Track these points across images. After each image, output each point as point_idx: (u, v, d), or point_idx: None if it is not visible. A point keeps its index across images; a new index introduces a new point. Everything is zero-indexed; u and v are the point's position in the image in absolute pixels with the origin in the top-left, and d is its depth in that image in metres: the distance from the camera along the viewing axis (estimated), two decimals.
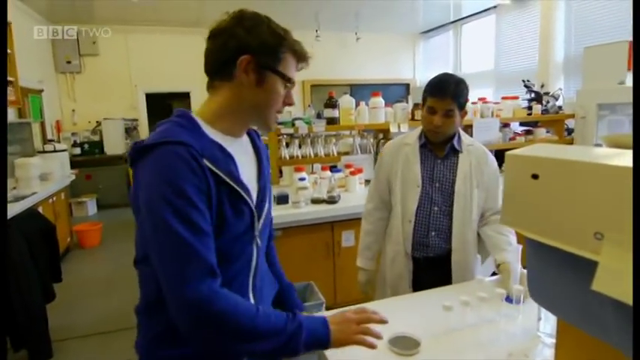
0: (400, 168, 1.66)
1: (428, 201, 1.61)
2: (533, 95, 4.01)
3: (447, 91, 1.52)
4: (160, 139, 0.81)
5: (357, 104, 3.28)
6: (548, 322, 1.05)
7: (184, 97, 7.46)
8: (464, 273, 1.60)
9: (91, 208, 6.26)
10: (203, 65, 0.94)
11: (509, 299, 1.21)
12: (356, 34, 7.32)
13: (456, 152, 1.64)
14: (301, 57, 0.94)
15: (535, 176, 0.58)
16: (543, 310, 1.04)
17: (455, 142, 1.63)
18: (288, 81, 0.92)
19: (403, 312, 1.23)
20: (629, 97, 3.19)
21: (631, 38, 3.69)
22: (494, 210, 1.65)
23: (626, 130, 3.45)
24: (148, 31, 6.82)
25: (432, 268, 1.62)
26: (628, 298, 0.46)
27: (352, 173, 2.97)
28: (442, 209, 1.61)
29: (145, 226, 0.81)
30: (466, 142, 1.66)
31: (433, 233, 1.61)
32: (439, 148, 1.64)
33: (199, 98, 7.34)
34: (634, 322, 0.47)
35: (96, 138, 6.72)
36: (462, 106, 1.56)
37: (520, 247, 1.34)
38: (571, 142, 3.78)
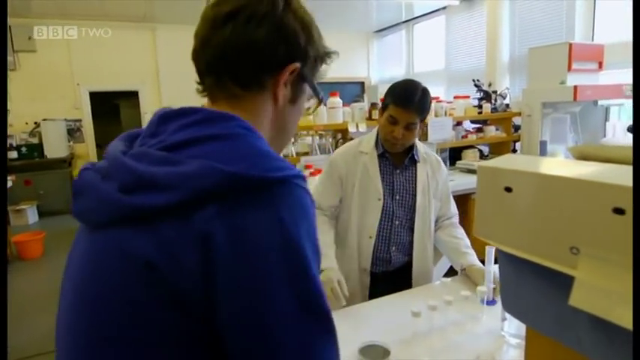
0: (358, 179, 1.53)
1: (389, 215, 1.54)
2: (482, 94, 4.17)
3: (412, 102, 1.41)
4: (280, 170, 0.51)
5: None
6: (513, 322, 1.07)
7: (132, 95, 7.14)
8: (424, 282, 1.59)
9: (32, 215, 5.84)
10: (208, 57, 0.61)
11: (490, 302, 1.23)
12: None
13: (413, 162, 1.58)
14: (328, 64, 0.71)
15: (508, 189, 0.57)
16: None
17: (414, 152, 1.56)
18: (321, 98, 0.70)
19: (371, 319, 1.21)
20: (569, 96, 3.38)
21: (570, 40, 3.93)
22: (446, 216, 1.65)
23: (568, 126, 3.66)
24: (92, 25, 6.42)
25: (390, 282, 1.55)
26: (605, 314, 0.46)
27: (312, 174, 2.94)
28: (403, 223, 1.55)
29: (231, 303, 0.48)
30: (421, 151, 1.60)
31: (394, 248, 1.56)
32: (398, 158, 1.56)
33: (148, 98, 7.05)
34: (634, 334, 0.47)
35: (35, 140, 6.26)
36: (424, 118, 1.48)
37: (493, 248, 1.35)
38: (518, 139, 3.97)
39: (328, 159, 1.64)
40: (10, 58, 6.06)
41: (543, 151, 3.43)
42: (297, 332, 0.49)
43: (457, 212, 1.70)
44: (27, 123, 6.33)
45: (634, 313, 0.43)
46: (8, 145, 6.02)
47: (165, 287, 0.48)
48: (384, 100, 1.51)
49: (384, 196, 1.52)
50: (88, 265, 0.54)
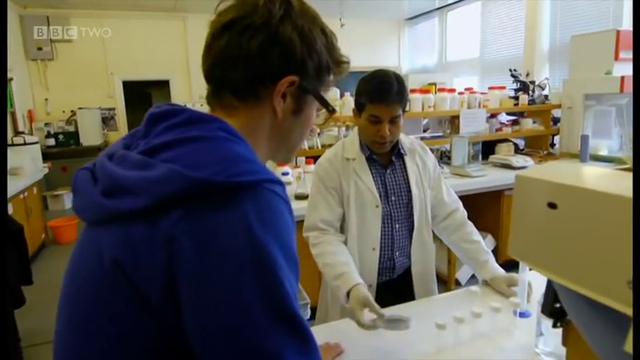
0: (353, 190, 1.41)
1: (389, 220, 1.43)
2: (519, 85, 3.96)
3: (392, 94, 1.29)
4: (249, 174, 0.50)
5: (342, 94, 3.17)
6: (550, 339, 0.98)
7: (163, 85, 7.24)
8: (425, 282, 1.49)
9: (68, 201, 6.02)
10: (207, 64, 0.62)
11: (523, 313, 1.14)
12: (340, 20, 7.14)
13: (400, 156, 1.46)
14: (339, 74, 0.68)
15: (552, 205, 0.49)
16: (544, 326, 0.98)
17: (399, 145, 1.44)
18: (331, 111, 0.68)
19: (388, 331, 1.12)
20: (615, 88, 3.16)
21: (618, 27, 3.66)
22: (448, 210, 1.52)
23: (613, 120, 3.43)
24: (125, 16, 6.53)
25: (393, 290, 1.44)
26: None
27: None
28: (403, 224, 1.45)
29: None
30: (406, 142, 1.49)
31: (397, 253, 1.45)
32: (385, 157, 1.45)
33: (179, 87, 7.13)
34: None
35: (71, 128, 6.46)
36: (405, 107, 1.36)
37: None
38: (557, 133, 3.76)
39: (315, 171, 1.48)
40: (47, 49, 6.25)
41: (585, 146, 3.23)
42: (265, 340, 0.48)
43: (458, 198, 1.57)
44: (64, 111, 6.53)
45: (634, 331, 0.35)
46: (46, 133, 6.24)
47: (131, 287, 0.49)
48: (357, 101, 1.38)
49: (380, 201, 1.41)
50: (76, 258, 0.59)
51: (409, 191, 1.45)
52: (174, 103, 0.64)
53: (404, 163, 1.46)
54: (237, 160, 0.52)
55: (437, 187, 1.52)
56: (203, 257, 0.47)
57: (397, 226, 1.44)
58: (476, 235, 1.49)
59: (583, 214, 0.46)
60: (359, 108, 1.37)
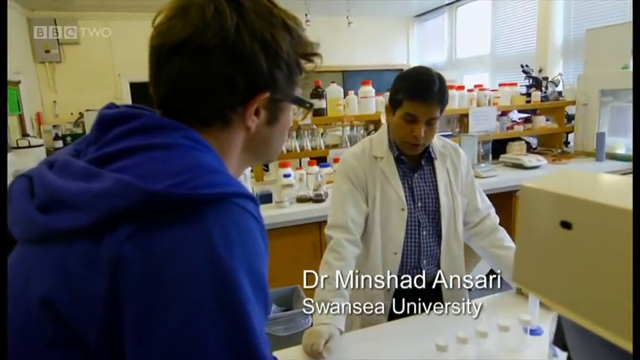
0: (379, 190, 1.35)
1: (416, 225, 1.37)
2: (532, 81, 3.82)
3: (433, 93, 1.23)
4: (216, 186, 0.45)
5: (346, 93, 3.09)
6: None
7: None
8: (455, 293, 1.39)
9: None
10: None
11: (534, 331, 1.05)
12: (347, 17, 7.05)
13: (430, 160, 1.40)
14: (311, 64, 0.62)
15: (566, 225, 0.39)
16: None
17: (430, 148, 1.39)
18: (309, 107, 0.63)
19: (386, 347, 1.03)
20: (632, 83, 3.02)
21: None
22: (480, 217, 1.46)
23: (630, 116, 3.29)
24: (131, 17, 6.53)
25: (420, 299, 1.33)
26: None
27: None
28: (430, 231, 1.39)
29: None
30: (437, 145, 1.42)
31: (425, 262, 1.39)
32: (414, 159, 1.39)
33: None
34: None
35: (79, 130, 6.48)
36: (444, 109, 1.30)
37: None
38: (571, 131, 3.63)
39: (340, 167, 1.42)
40: (55, 51, 6.29)
41: (601, 145, 3.10)
42: None
43: (491, 204, 1.50)
44: (72, 113, 6.56)
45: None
46: (54, 135, 6.27)
47: (62, 326, 0.42)
48: (393, 97, 1.31)
49: (407, 204, 1.35)
50: (9, 280, 0.49)
51: (437, 199, 1.38)
52: (132, 105, 0.56)
53: (433, 169, 1.40)
54: (201, 170, 0.46)
55: (470, 193, 1.46)
56: (154, 285, 0.41)
57: (425, 233, 1.38)
58: (508, 241, 1.43)
59: (606, 238, 0.36)
60: (394, 105, 1.31)
